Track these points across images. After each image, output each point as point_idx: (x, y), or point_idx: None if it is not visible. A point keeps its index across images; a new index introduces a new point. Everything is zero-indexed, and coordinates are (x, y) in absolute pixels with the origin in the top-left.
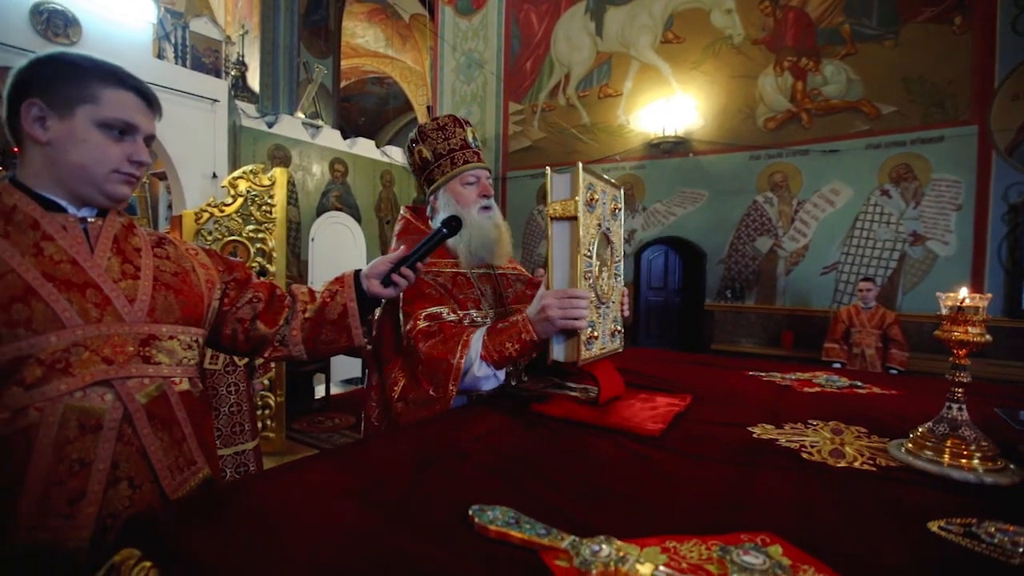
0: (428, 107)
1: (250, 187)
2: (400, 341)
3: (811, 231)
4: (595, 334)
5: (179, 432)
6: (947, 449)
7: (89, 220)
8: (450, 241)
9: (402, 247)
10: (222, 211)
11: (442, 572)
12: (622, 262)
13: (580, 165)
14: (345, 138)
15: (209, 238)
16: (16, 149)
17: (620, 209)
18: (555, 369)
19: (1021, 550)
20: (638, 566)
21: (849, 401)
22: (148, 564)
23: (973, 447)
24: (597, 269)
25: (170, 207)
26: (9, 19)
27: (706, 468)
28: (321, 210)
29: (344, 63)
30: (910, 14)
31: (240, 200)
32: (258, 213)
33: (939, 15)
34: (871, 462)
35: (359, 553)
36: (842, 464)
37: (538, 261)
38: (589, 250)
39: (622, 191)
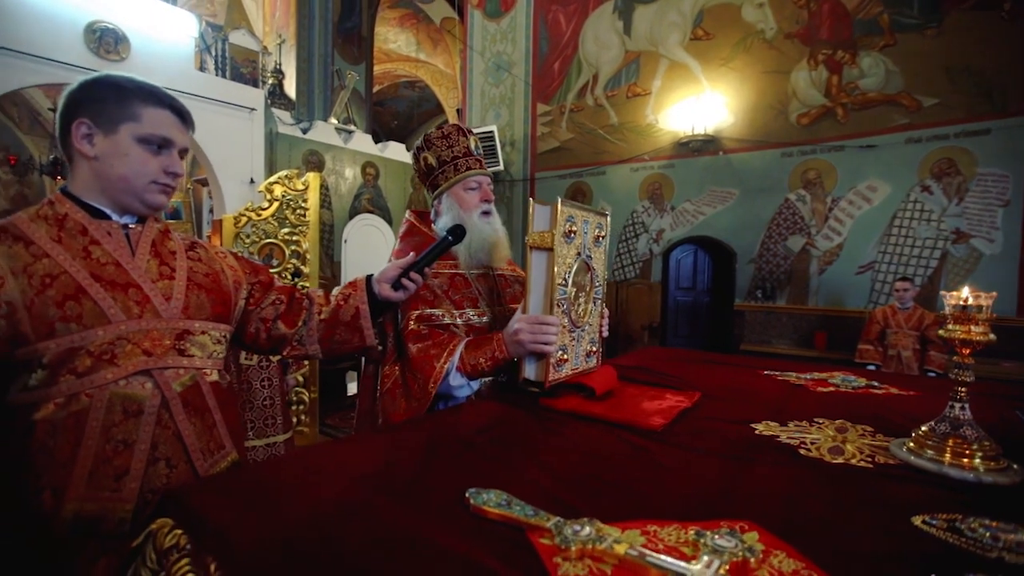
0: (458, 110)
1: (285, 192)
2: (398, 339)
3: (846, 229)
4: (565, 357)
5: (210, 418)
6: (948, 448)
7: (130, 226)
8: None
9: (411, 254)
10: (259, 215)
11: (437, 547)
12: (603, 286)
13: (559, 200)
14: (377, 142)
15: (247, 241)
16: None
17: (604, 236)
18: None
19: (1000, 544)
20: (615, 545)
21: (862, 401)
22: (179, 532)
23: (975, 446)
24: (573, 296)
25: (211, 212)
26: (65, 38)
27: (701, 461)
28: (353, 212)
29: (377, 68)
30: (955, 1)
31: (276, 204)
32: (292, 216)
33: (986, 1)
34: (869, 460)
35: (364, 528)
36: (839, 461)
37: None
38: (565, 279)
39: (608, 217)
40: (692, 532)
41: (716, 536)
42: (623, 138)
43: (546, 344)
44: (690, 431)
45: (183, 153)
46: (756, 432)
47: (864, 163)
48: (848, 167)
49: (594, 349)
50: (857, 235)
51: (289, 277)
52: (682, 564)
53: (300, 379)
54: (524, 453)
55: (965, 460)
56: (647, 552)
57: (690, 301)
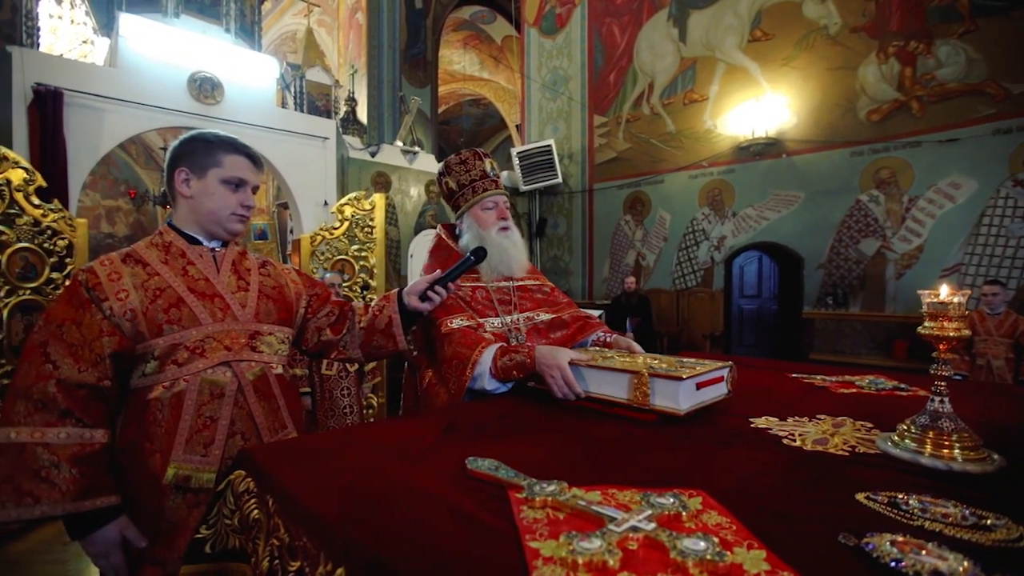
0: (517, 126)
1: (354, 212)
2: (429, 345)
3: (926, 230)
4: None
5: (275, 403)
6: (929, 440)
7: (216, 250)
8: None
9: (437, 270)
10: (331, 234)
11: (434, 496)
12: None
13: None
14: (439, 161)
15: (322, 258)
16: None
17: None
18: None
19: (928, 515)
20: (571, 499)
21: (879, 401)
22: (249, 480)
23: (954, 437)
24: None
25: (291, 232)
26: (172, 88)
27: (684, 446)
28: (418, 228)
29: (442, 88)
30: None
31: (346, 224)
32: (361, 234)
33: None
34: (849, 450)
35: (381, 481)
36: (817, 449)
37: (626, 271)
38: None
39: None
40: (642, 494)
41: (660, 497)
42: (680, 145)
43: (569, 396)
44: (686, 422)
45: (255, 190)
46: (751, 425)
47: (945, 158)
48: (926, 164)
49: None
50: (939, 236)
51: (358, 290)
52: (620, 513)
53: (370, 386)
54: (528, 434)
55: (945, 451)
56: (593, 504)
57: (755, 309)
